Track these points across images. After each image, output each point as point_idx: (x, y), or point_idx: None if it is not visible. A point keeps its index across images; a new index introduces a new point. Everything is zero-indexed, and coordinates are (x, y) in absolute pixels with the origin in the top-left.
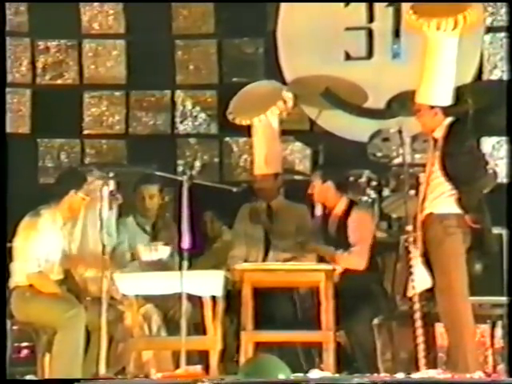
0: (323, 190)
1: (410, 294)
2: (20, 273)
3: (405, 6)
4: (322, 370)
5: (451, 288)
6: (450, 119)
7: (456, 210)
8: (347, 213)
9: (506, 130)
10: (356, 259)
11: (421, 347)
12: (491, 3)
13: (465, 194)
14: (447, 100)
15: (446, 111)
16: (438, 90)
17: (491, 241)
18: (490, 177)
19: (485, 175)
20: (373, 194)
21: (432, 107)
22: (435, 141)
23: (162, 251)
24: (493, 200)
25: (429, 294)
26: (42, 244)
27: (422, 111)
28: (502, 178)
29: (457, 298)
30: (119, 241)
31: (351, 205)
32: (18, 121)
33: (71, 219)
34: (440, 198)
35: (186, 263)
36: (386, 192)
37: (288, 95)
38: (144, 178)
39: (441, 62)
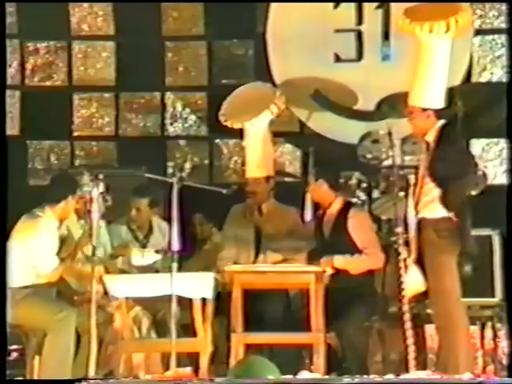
0: (316, 188)
1: (400, 295)
2: (10, 275)
3: (394, 8)
4: (311, 371)
5: (445, 290)
6: (441, 122)
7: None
8: (343, 214)
9: (506, 131)
10: (374, 260)
11: (411, 349)
12: (479, 6)
13: (450, 195)
14: (440, 102)
15: (438, 114)
16: (430, 92)
17: (472, 242)
18: (479, 178)
19: (474, 177)
20: (363, 196)
21: (424, 110)
22: (427, 144)
23: (153, 258)
24: (484, 201)
25: (419, 296)
26: (37, 246)
27: (414, 114)
28: (492, 179)
29: (450, 300)
30: (109, 242)
31: (347, 205)
32: (8, 123)
33: (65, 221)
34: (433, 202)
35: (175, 265)
36: (375, 194)
37: (281, 98)
38: (136, 190)
39: (434, 65)
